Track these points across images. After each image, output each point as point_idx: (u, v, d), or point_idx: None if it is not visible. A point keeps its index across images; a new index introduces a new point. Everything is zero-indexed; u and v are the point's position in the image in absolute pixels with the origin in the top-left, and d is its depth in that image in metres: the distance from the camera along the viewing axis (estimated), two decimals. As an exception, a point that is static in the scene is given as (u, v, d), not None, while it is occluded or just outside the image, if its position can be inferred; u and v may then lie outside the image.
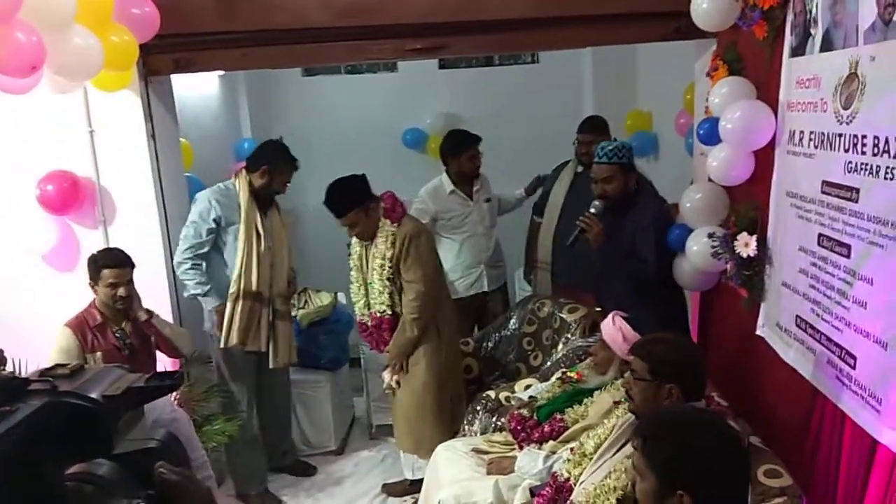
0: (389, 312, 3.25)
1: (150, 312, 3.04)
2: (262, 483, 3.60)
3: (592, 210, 3.13)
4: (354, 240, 3.35)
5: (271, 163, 3.35)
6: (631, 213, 3.12)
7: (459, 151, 4.05)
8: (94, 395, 0.68)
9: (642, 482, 1.62)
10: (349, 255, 3.43)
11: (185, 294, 3.38)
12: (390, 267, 3.18)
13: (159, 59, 3.25)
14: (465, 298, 4.17)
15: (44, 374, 0.72)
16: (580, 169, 3.97)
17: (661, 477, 1.57)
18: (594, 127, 3.97)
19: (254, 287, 3.31)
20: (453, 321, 3.46)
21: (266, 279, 3.36)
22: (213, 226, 3.30)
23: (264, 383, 3.64)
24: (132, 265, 2.94)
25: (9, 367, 2.69)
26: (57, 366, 0.73)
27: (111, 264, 2.89)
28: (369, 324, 3.36)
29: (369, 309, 3.33)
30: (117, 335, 2.95)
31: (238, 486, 3.56)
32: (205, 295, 3.32)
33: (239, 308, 3.30)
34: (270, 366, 3.48)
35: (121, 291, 2.88)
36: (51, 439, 0.65)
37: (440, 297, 3.32)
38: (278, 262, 3.44)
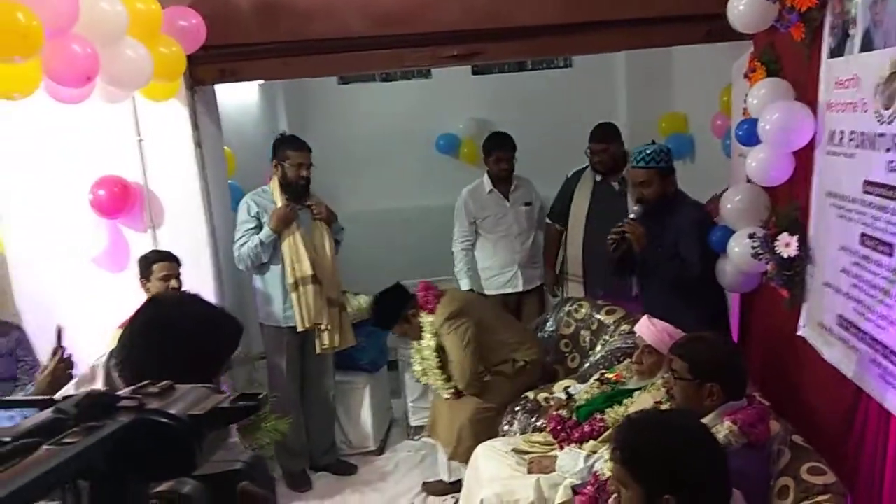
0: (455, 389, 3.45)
1: None
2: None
3: (632, 215, 3.15)
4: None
5: (276, 155, 3.58)
6: (672, 217, 3.12)
7: (487, 153, 4.22)
8: (179, 414, 0.67)
9: (626, 492, 1.66)
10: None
11: (251, 259, 3.51)
12: (437, 357, 3.41)
13: (205, 69, 3.35)
14: (498, 297, 4.25)
15: (135, 391, 0.73)
16: (599, 178, 3.98)
17: (643, 484, 1.61)
18: (606, 135, 3.95)
19: (308, 271, 3.51)
20: (500, 333, 3.52)
21: (314, 263, 3.52)
22: (256, 222, 3.51)
23: (309, 378, 3.78)
24: (179, 262, 3.05)
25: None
26: (148, 383, 0.74)
27: (162, 258, 3.01)
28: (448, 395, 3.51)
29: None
30: None
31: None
32: (260, 238, 3.47)
33: (302, 293, 3.51)
34: (334, 344, 3.66)
35: (173, 283, 2.99)
36: (136, 456, 0.65)
37: (488, 349, 3.44)
38: (320, 252, 3.59)
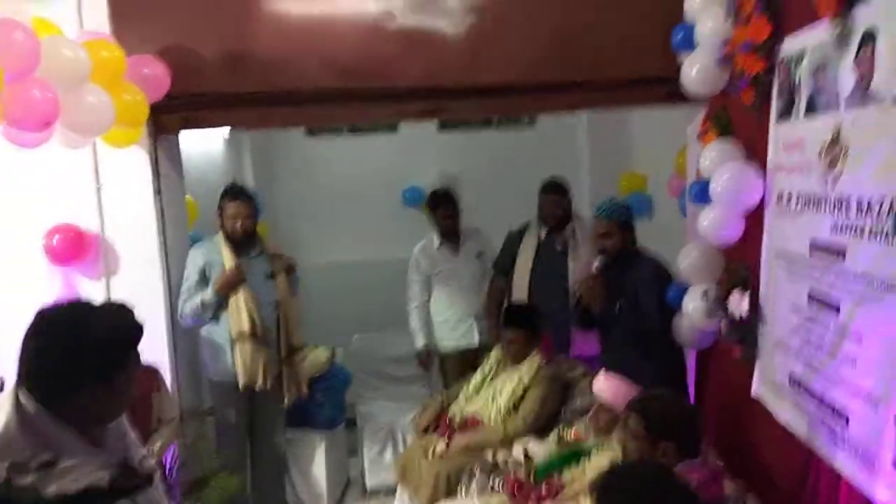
0: (486, 420, 3.38)
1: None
2: None
3: (596, 263, 3.20)
4: (496, 353, 3.59)
5: (219, 205, 3.55)
6: (631, 270, 3.18)
7: (432, 209, 4.32)
8: (46, 495, 0.65)
9: None
10: (487, 358, 3.65)
11: (192, 319, 3.44)
12: (520, 394, 3.34)
13: (168, 117, 3.34)
14: (455, 353, 4.25)
15: (10, 467, 0.69)
16: (544, 234, 4.03)
17: None
18: (557, 188, 4.04)
19: (246, 327, 3.42)
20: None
21: (256, 319, 3.44)
22: (200, 275, 3.45)
23: (259, 434, 3.66)
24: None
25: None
26: (31, 458, 0.71)
27: None
28: (459, 421, 3.44)
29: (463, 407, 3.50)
30: None
31: None
32: (203, 298, 3.39)
33: (240, 350, 3.42)
34: (285, 401, 3.61)
35: None
36: None
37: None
38: (266, 306, 3.51)
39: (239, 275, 3.42)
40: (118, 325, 1.59)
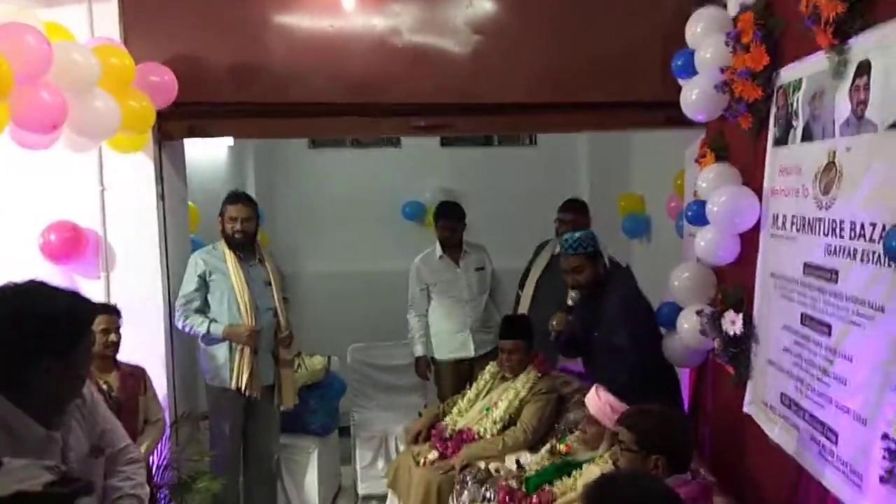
0: (481, 433, 3.38)
1: None
2: None
3: (570, 302, 3.24)
4: (491, 368, 3.61)
5: (221, 211, 3.59)
6: (603, 302, 3.18)
7: (436, 220, 4.41)
8: None
9: None
10: (482, 372, 3.68)
11: (200, 338, 3.50)
12: (517, 407, 3.37)
13: (174, 124, 3.38)
14: (450, 363, 4.29)
15: None
16: (557, 249, 4.09)
17: None
18: (574, 208, 4.14)
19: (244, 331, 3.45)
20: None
21: (253, 323, 3.48)
22: (200, 281, 3.48)
23: (253, 440, 3.68)
24: (119, 314, 3.00)
25: None
26: None
27: (102, 311, 2.94)
28: (451, 432, 3.44)
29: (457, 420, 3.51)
30: (102, 387, 2.96)
31: None
32: (210, 328, 3.44)
33: (236, 356, 3.46)
34: (277, 405, 3.64)
35: (112, 337, 2.94)
36: None
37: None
38: (263, 307, 3.55)
39: (253, 342, 3.46)
40: (70, 301, 1.60)
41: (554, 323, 3.23)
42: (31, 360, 1.50)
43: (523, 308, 4.14)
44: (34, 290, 1.58)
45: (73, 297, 1.62)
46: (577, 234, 3.22)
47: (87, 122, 2.81)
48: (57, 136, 2.72)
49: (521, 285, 4.28)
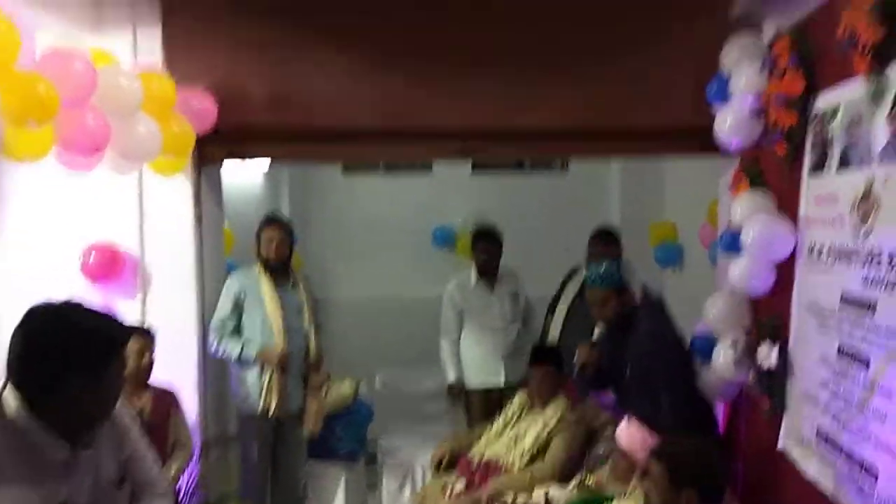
0: (508, 464, 3.34)
1: None
2: None
3: (594, 337, 3.18)
4: (520, 397, 3.57)
5: (256, 234, 3.66)
6: (633, 333, 3.07)
7: (473, 244, 4.39)
8: None
9: None
10: (510, 402, 3.63)
11: (233, 360, 3.54)
12: (546, 437, 3.33)
13: (213, 148, 3.45)
14: (480, 391, 4.26)
15: None
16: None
17: None
18: (604, 238, 4.08)
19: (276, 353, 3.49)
20: None
21: (285, 345, 3.51)
22: (234, 301, 3.54)
23: (281, 465, 3.68)
24: (153, 336, 3.06)
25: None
26: None
27: (137, 333, 2.99)
28: (477, 462, 3.41)
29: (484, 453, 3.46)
30: (135, 411, 3.00)
31: None
32: (242, 352, 3.48)
33: (266, 379, 3.49)
34: (304, 431, 3.65)
35: (146, 360, 3.01)
36: None
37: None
38: (295, 330, 3.59)
39: (284, 363, 3.50)
40: (105, 322, 1.63)
41: (578, 356, 3.18)
42: (62, 377, 1.52)
43: (553, 336, 4.11)
44: (70, 308, 1.61)
45: (108, 317, 1.66)
46: (602, 266, 3.14)
47: (130, 146, 2.88)
48: (100, 159, 2.80)
49: (551, 312, 4.24)
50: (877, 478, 1.89)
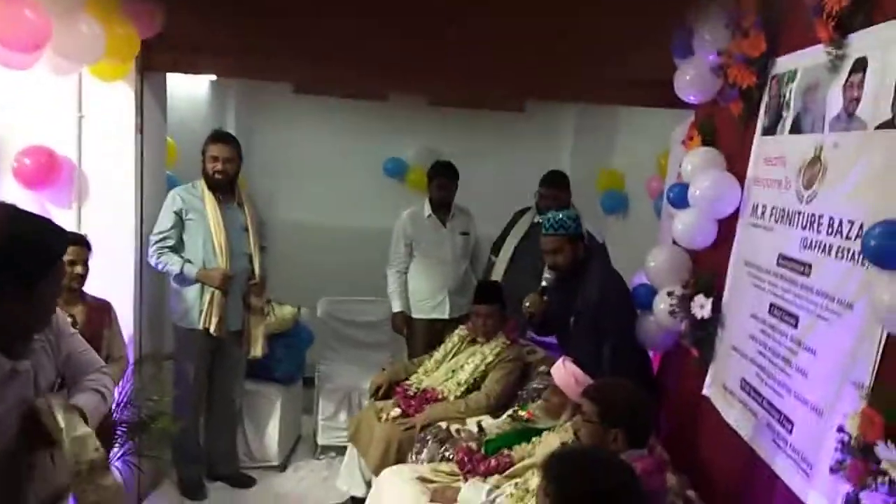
0: (445, 394, 3.45)
1: None
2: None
3: (544, 283, 3.21)
4: (460, 331, 3.70)
5: (203, 149, 3.55)
6: (582, 285, 3.10)
7: (430, 179, 4.35)
8: None
9: None
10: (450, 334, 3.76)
11: (171, 277, 3.49)
12: (483, 371, 3.44)
13: (158, 56, 3.29)
14: (424, 322, 4.32)
15: None
16: (537, 219, 4.09)
17: None
18: (555, 182, 4.10)
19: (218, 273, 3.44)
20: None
21: (228, 266, 3.46)
22: (176, 219, 3.44)
23: (217, 384, 3.69)
24: (89, 247, 2.95)
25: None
26: None
27: (72, 241, 2.88)
28: (415, 391, 3.50)
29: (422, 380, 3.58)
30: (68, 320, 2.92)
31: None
32: (184, 269, 3.42)
33: (206, 298, 3.45)
34: (245, 352, 3.65)
35: (78, 269, 2.90)
36: None
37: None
38: (238, 251, 3.53)
39: (226, 286, 3.44)
40: (46, 228, 1.56)
41: (527, 304, 3.22)
42: (1, 286, 1.46)
43: (497, 274, 4.17)
44: (4, 213, 1.53)
45: (46, 224, 1.58)
46: (559, 214, 3.11)
47: (71, 46, 2.75)
48: (38, 57, 2.64)
49: (496, 251, 4.30)
50: (792, 428, 2.02)
